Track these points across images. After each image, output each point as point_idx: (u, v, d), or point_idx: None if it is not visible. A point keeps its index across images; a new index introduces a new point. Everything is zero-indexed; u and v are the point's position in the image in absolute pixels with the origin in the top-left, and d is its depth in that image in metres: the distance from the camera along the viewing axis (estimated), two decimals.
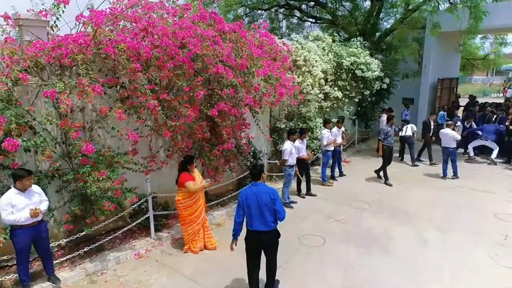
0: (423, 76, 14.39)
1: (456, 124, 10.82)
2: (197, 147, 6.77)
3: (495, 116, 12.05)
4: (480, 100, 17.41)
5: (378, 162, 11.49)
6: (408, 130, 11.15)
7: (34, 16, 5.00)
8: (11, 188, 4.47)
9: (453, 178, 9.66)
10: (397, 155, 11.52)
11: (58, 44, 4.76)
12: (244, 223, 4.49)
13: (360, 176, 10.02)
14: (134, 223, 5.98)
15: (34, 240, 4.63)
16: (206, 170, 7.01)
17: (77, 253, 5.37)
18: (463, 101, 17.69)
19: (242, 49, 6.57)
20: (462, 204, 7.93)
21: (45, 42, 4.89)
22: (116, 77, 5.53)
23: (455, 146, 9.55)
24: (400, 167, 10.92)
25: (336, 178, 9.75)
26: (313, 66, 9.36)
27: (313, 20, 17.35)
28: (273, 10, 17.52)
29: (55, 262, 5.12)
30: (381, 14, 14.98)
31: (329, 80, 10.19)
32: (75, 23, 5.44)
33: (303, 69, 9.29)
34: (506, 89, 28.57)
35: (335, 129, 9.43)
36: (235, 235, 4.51)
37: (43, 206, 4.62)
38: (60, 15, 5.49)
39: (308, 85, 9.16)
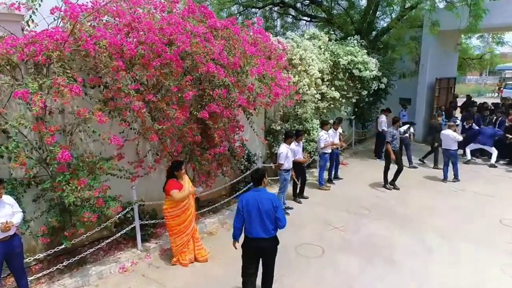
0: (420, 75, 14.08)
1: (456, 124, 10.53)
2: (187, 151, 6.35)
3: (494, 118, 11.79)
4: (476, 100, 17.13)
5: (375, 164, 11.22)
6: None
7: (6, 9, 4.58)
8: None
9: (454, 181, 9.34)
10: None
11: (32, 40, 4.33)
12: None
13: (358, 179, 9.66)
14: (119, 234, 5.55)
15: (6, 257, 4.20)
16: (197, 175, 6.60)
17: (56, 267, 4.94)
18: (460, 101, 17.45)
19: (234, 46, 6.16)
20: (465, 209, 7.60)
21: (17, 38, 4.46)
22: (99, 77, 5.11)
23: (457, 148, 9.24)
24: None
25: (334, 182, 9.39)
26: (309, 65, 8.99)
27: (308, 19, 17.03)
28: (267, 8, 17.17)
29: (31, 278, 4.69)
30: (377, 13, 14.69)
31: (325, 80, 9.82)
32: (54, 18, 5.03)
33: (299, 68, 8.91)
34: (502, 89, 28.47)
35: (331, 131, 9.07)
36: (235, 238, 4.37)
37: (16, 219, 4.19)
38: (36, 9, 5.08)
39: (304, 85, 8.78)
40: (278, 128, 8.88)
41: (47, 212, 4.92)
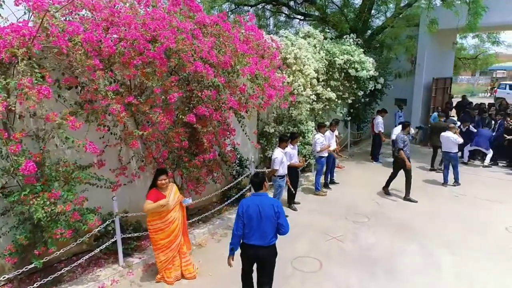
0: (416, 75, 13.77)
1: (459, 126, 10.22)
2: (174, 157, 5.88)
3: (493, 121, 11.54)
4: (470, 100, 16.87)
5: (372, 166, 10.86)
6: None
7: None
8: None
9: (454, 185, 9.00)
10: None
11: None
12: None
13: (355, 184, 9.27)
14: (99, 249, 5.06)
15: None
16: (185, 182, 6.14)
17: None
18: (454, 102, 17.16)
19: (225, 44, 5.70)
20: (469, 216, 7.23)
21: None
22: (75, 77, 4.64)
23: (457, 150, 8.90)
24: None
25: (330, 187, 8.97)
26: (304, 65, 8.57)
27: (302, 17, 16.61)
28: (260, 6, 16.72)
29: None
30: (372, 11, 14.34)
31: (320, 80, 9.41)
32: (24, 11, 4.54)
33: (293, 68, 8.48)
34: (495, 89, 28.37)
35: (328, 132, 8.66)
36: (233, 249, 4.11)
37: None
38: (3, 1, 4.57)
39: (299, 85, 8.36)
40: (272, 130, 8.44)
41: (15, 227, 4.41)
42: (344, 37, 10.99)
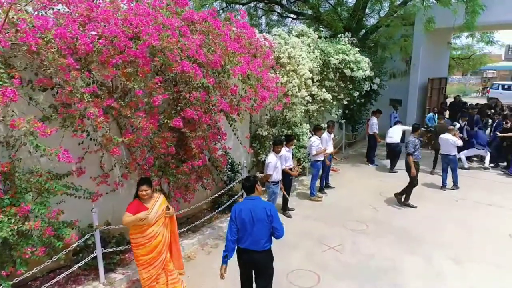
0: (411, 75, 13.49)
1: (458, 128, 9.97)
2: (160, 164, 5.46)
3: (490, 121, 11.32)
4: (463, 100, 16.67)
5: (368, 169, 10.55)
6: (395, 135, 10.07)
7: None
8: None
9: (453, 189, 8.73)
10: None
11: None
12: None
13: (351, 188, 8.94)
14: (77, 265, 4.63)
15: None
16: (172, 190, 5.73)
17: None
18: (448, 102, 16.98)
19: (215, 42, 5.31)
20: (470, 222, 6.93)
21: None
22: (49, 77, 4.21)
23: (456, 153, 8.62)
24: (392, 176, 9.91)
25: (325, 191, 8.63)
26: (298, 65, 8.20)
27: (295, 16, 16.28)
28: (251, 5, 16.35)
29: None
30: (366, 10, 14.07)
31: (315, 81, 9.07)
32: None
33: (287, 68, 8.11)
34: (488, 89, 28.37)
35: (325, 134, 8.31)
36: (227, 257, 3.91)
37: None
38: None
39: (294, 86, 7.99)
40: (265, 133, 8.05)
41: None
42: (339, 36, 10.66)
